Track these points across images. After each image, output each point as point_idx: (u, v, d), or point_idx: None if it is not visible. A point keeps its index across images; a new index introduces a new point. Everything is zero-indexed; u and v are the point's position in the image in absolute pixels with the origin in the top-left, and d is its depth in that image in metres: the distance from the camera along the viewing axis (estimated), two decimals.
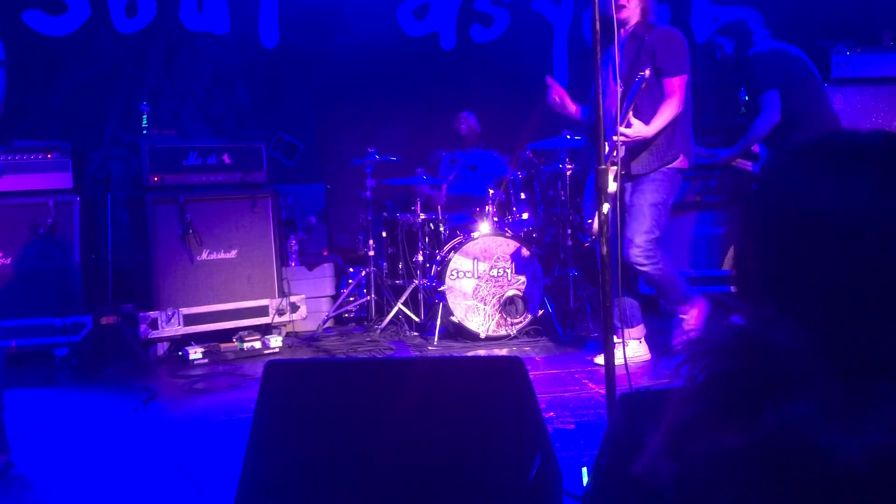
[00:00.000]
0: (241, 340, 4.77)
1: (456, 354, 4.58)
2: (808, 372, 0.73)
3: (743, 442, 0.72)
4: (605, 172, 2.56)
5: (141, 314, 4.66)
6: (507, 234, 4.97)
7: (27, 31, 5.59)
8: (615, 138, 3.69)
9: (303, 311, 5.23)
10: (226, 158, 4.98)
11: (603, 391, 2.75)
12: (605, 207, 2.58)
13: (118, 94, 5.84)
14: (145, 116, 4.96)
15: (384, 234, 5.55)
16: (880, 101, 5.49)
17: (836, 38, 5.61)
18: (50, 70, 5.66)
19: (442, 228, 5.34)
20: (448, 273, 4.85)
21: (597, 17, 2.64)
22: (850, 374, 0.73)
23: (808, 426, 0.70)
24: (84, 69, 5.75)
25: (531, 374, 4.03)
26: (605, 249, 2.56)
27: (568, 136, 5.25)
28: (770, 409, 0.71)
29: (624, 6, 3.90)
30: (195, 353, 4.60)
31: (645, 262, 3.95)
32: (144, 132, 4.91)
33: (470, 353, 4.61)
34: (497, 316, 4.87)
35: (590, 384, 3.82)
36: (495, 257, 4.90)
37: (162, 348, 4.75)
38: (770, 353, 0.75)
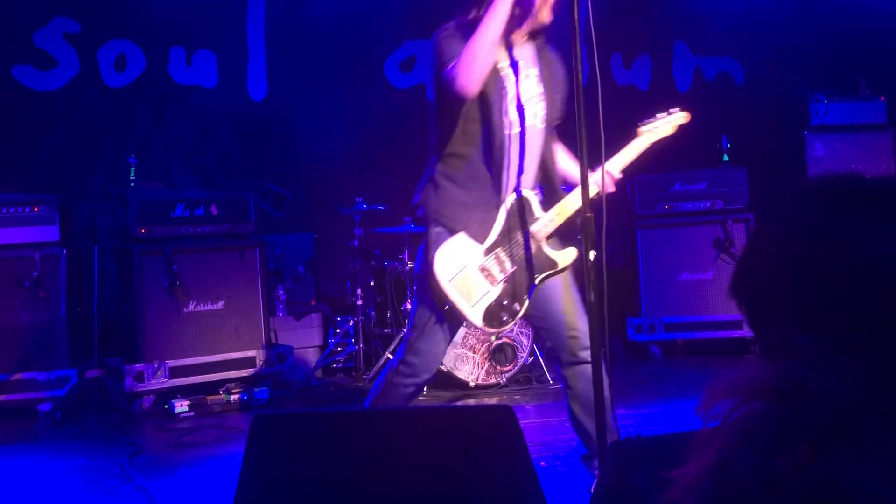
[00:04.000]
0: (228, 392, 4.72)
1: (446, 404, 4.54)
2: (855, 421, 0.73)
3: (786, 488, 0.71)
4: (591, 220, 2.58)
5: (126, 367, 4.61)
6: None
7: (16, 85, 5.62)
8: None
9: (290, 361, 5.19)
10: (213, 210, 4.99)
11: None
12: (592, 254, 2.59)
13: (107, 147, 5.86)
14: (133, 169, 4.98)
15: (372, 283, 5.55)
16: (859, 147, 5.60)
17: (815, 86, 5.74)
18: (38, 124, 5.68)
19: None
20: None
21: (579, 68, 2.68)
22: None
23: (856, 480, 0.69)
24: (73, 123, 5.78)
25: (522, 422, 4.00)
26: (591, 296, 2.57)
27: None
28: (817, 456, 0.70)
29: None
30: (181, 406, 4.54)
31: None
32: (132, 184, 4.92)
33: (460, 403, 4.58)
34: (486, 364, 4.85)
35: None
36: None
37: (148, 401, 4.69)
38: (816, 397, 0.75)
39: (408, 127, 6.42)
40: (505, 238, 2.74)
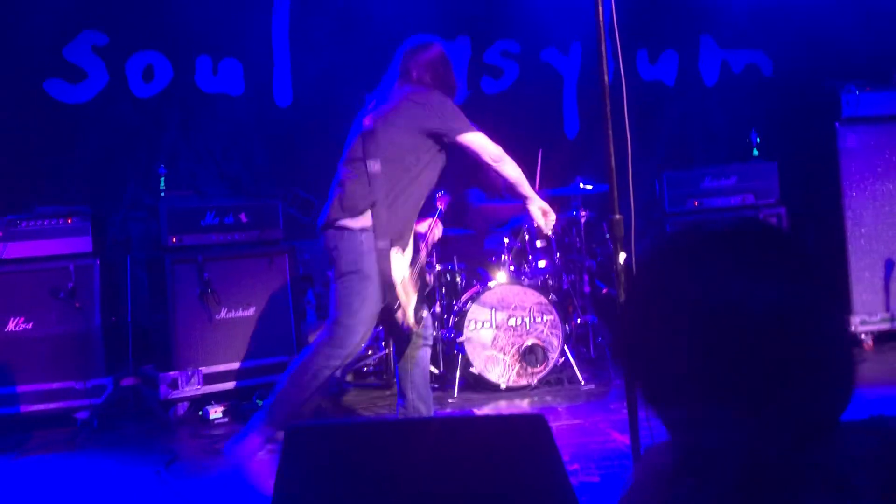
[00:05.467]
0: (261, 398, 4.76)
1: (478, 412, 4.53)
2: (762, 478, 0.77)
3: None
4: (620, 222, 2.57)
5: (161, 375, 4.67)
6: (524, 283, 4.97)
7: (48, 99, 5.71)
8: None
9: None
10: (243, 217, 5.03)
11: (627, 441, 2.71)
12: (622, 256, 2.58)
13: (137, 157, 5.94)
14: (163, 179, 5.04)
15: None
16: (891, 138, 5.49)
17: (846, 77, 5.64)
18: (70, 136, 5.77)
19: (458, 279, 5.35)
20: (466, 324, 4.84)
21: (605, 68, 2.68)
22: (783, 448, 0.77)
23: None
24: (103, 134, 5.86)
25: (553, 424, 3.99)
26: (622, 297, 2.55)
27: (581, 184, 5.28)
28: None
29: None
30: (215, 412, 4.59)
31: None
32: (163, 194, 4.98)
33: (492, 408, 4.57)
34: (517, 366, 4.84)
35: (614, 434, 3.77)
36: (513, 306, 4.89)
37: (182, 408, 4.75)
38: (717, 461, 0.78)
39: None
40: (413, 259, 3.51)
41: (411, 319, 3.37)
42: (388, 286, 3.25)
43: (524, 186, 3.53)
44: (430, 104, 3.36)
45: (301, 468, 1.75)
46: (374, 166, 3.27)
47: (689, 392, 0.81)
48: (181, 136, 6.11)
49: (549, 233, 3.73)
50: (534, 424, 1.71)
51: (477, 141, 3.41)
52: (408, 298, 3.35)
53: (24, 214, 4.70)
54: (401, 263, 3.35)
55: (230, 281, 4.92)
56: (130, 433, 4.44)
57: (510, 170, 3.49)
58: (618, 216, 2.56)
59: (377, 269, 3.22)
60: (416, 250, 3.58)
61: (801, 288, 0.82)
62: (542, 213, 3.56)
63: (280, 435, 3.04)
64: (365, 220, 3.26)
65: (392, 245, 3.27)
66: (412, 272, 3.45)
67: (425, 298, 3.65)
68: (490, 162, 3.43)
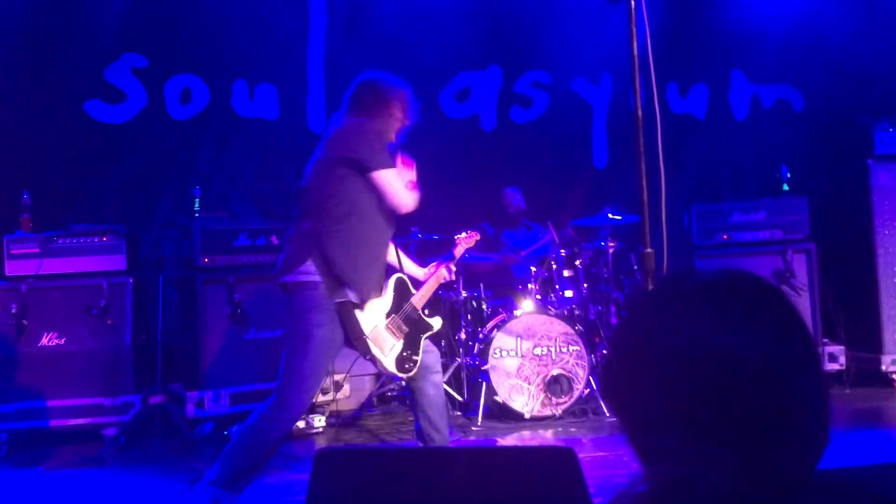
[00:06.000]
0: None
1: (502, 442, 4.53)
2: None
3: None
4: (651, 256, 2.58)
5: (188, 393, 4.72)
6: (550, 312, 4.97)
7: (88, 119, 5.85)
8: None
9: (346, 389, 5.24)
10: (274, 239, 5.10)
11: None
12: None
13: (172, 178, 6.05)
14: (198, 200, 5.13)
15: (426, 312, 5.57)
16: None
17: (879, 113, 5.61)
18: (108, 155, 5.90)
19: (484, 306, 5.36)
20: (491, 351, 4.84)
21: (638, 102, 2.71)
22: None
23: None
24: (140, 154, 5.98)
25: (578, 456, 3.95)
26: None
27: (609, 215, 5.29)
28: None
29: None
30: None
31: None
32: (196, 215, 5.07)
33: (515, 438, 4.56)
34: (542, 395, 4.83)
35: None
36: (539, 335, 4.89)
37: (208, 427, 4.79)
38: (691, 491, 0.82)
39: (461, 157, 6.49)
40: (397, 306, 3.38)
41: (389, 369, 3.24)
42: (355, 339, 3.10)
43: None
44: (346, 134, 3.21)
45: (330, 492, 1.77)
46: (309, 224, 3.13)
47: (670, 431, 0.85)
48: (216, 158, 6.22)
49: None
50: (563, 457, 1.72)
51: (389, 179, 3.18)
52: (382, 349, 3.20)
53: (60, 231, 4.80)
54: (371, 313, 3.19)
55: (260, 302, 4.98)
56: (157, 451, 4.48)
57: (414, 206, 3.33)
58: (649, 249, 2.58)
59: (325, 326, 3.03)
60: (403, 296, 3.41)
61: (781, 340, 0.87)
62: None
63: (227, 497, 2.99)
64: (311, 276, 3.06)
65: (356, 296, 3.10)
66: (393, 319, 3.29)
67: (420, 339, 3.43)
68: (394, 199, 3.22)
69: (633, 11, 2.53)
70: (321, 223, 3.13)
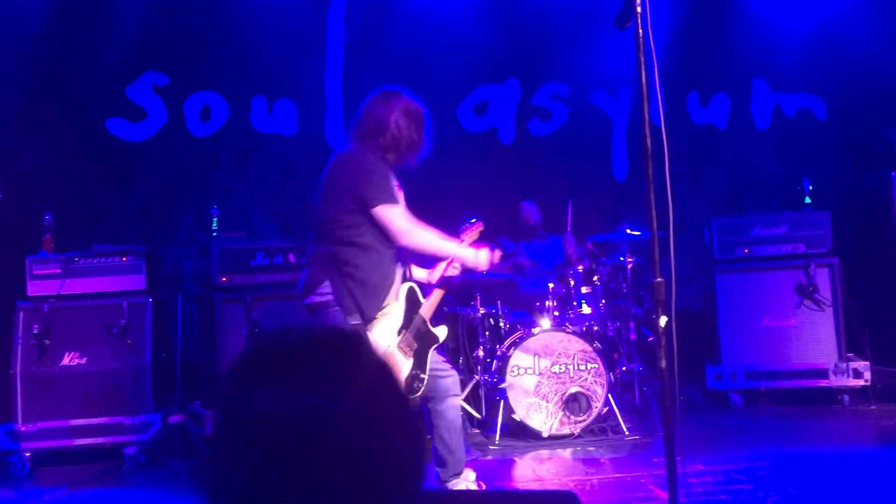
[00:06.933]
0: None
1: (518, 460, 4.49)
2: None
3: None
4: (662, 286, 2.55)
5: (207, 412, 4.75)
6: (568, 330, 4.94)
7: (109, 137, 5.93)
8: None
9: None
10: (291, 257, 5.13)
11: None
12: (663, 320, 2.56)
13: (192, 194, 6.10)
14: (216, 219, 5.17)
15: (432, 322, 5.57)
16: None
17: None
18: (129, 174, 5.97)
19: (502, 323, 5.34)
20: (509, 369, 4.82)
21: (646, 116, 2.68)
22: None
23: None
24: (160, 171, 6.04)
25: (595, 477, 3.96)
26: (663, 363, 2.53)
27: (628, 230, 5.25)
28: None
29: None
30: None
31: None
32: (215, 234, 5.11)
33: (533, 457, 4.52)
34: (560, 414, 4.80)
35: (656, 491, 3.70)
36: (557, 353, 4.86)
37: None
38: None
39: (480, 171, 6.48)
40: (408, 320, 3.32)
41: None
42: None
43: (443, 249, 3.34)
44: (347, 166, 3.21)
45: None
46: (325, 248, 3.18)
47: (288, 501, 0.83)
48: (235, 174, 6.27)
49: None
50: (564, 501, 1.70)
51: (388, 216, 3.16)
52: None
53: (82, 252, 4.86)
54: (383, 334, 3.19)
55: (277, 320, 5.00)
56: (176, 470, 4.51)
57: (420, 239, 3.25)
58: (659, 279, 2.55)
59: None
60: (414, 307, 3.35)
61: (370, 397, 0.88)
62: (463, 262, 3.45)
63: None
64: (329, 296, 3.12)
65: (366, 319, 3.11)
66: (404, 337, 3.26)
67: (427, 354, 3.34)
68: (396, 236, 3.18)
69: (640, 40, 2.50)
70: (334, 247, 3.18)
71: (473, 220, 3.73)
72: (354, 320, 3.11)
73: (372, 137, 3.25)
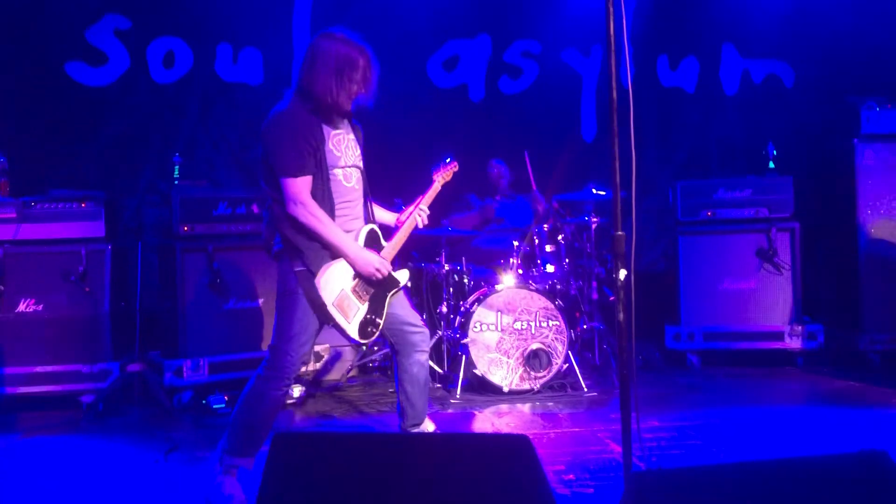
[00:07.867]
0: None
1: (478, 414, 4.54)
2: None
3: None
4: (623, 239, 2.56)
5: (166, 362, 4.72)
6: (531, 287, 4.96)
7: (69, 81, 5.76)
8: None
9: (326, 360, 5.25)
10: (255, 208, 5.06)
11: None
12: (622, 273, 2.57)
13: (154, 143, 5.98)
14: (178, 167, 5.07)
15: (408, 284, 5.56)
16: None
17: (867, 93, 5.58)
18: (89, 119, 5.82)
19: (466, 280, 5.36)
20: (471, 325, 4.84)
21: (613, 75, 2.66)
22: None
23: None
24: (122, 118, 5.90)
25: (552, 431, 4.00)
26: (621, 316, 2.55)
27: (594, 190, 5.26)
28: None
29: None
30: (220, 402, 4.63)
31: None
32: (176, 182, 5.02)
33: (493, 412, 4.57)
34: (520, 369, 4.84)
35: (612, 445, 3.76)
36: (519, 310, 4.89)
37: (186, 396, 4.79)
38: None
39: (449, 127, 6.43)
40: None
41: (352, 336, 3.14)
42: (316, 307, 3.04)
43: (329, 238, 3.06)
44: (265, 131, 3.09)
45: (286, 474, 1.77)
46: (269, 200, 3.14)
47: None
48: (199, 123, 6.15)
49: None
50: (519, 445, 1.72)
51: (286, 186, 3.00)
52: (347, 315, 3.10)
53: (38, 197, 4.75)
54: (338, 277, 3.09)
55: (239, 271, 4.96)
56: (134, 419, 4.49)
57: (306, 219, 3.02)
58: (620, 232, 2.55)
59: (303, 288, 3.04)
60: (373, 250, 3.21)
61: None
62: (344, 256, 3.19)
63: (241, 462, 3.09)
64: (280, 245, 3.13)
65: (312, 268, 3.04)
66: (359, 280, 3.14)
67: (385, 298, 3.24)
68: (287, 204, 3.01)
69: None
70: (277, 204, 3.11)
71: (448, 160, 3.67)
72: (298, 267, 3.05)
73: (303, 90, 3.12)
